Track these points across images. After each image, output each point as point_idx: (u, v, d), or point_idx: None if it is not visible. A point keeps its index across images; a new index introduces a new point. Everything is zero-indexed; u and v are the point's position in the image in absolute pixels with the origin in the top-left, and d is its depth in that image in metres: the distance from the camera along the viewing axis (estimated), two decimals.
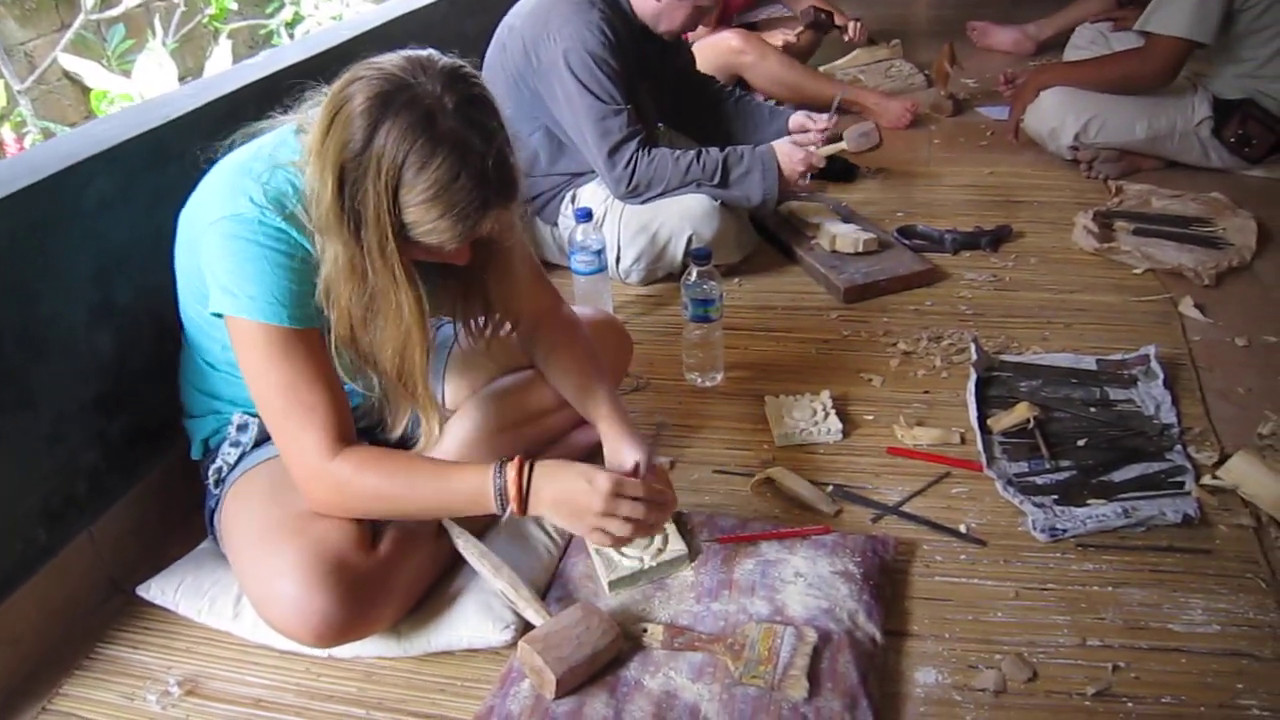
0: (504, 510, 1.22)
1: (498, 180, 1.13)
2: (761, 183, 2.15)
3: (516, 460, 1.22)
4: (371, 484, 1.20)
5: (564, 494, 1.23)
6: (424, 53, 1.13)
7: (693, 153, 2.13)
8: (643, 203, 2.14)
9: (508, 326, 1.42)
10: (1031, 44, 3.87)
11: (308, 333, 1.19)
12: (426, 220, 1.11)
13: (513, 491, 1.21)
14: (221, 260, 1.17)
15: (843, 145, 2.31)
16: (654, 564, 1.37)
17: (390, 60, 1.11)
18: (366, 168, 1.08)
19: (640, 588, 1.37)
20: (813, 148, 2.20)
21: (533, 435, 1.53)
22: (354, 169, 1.09)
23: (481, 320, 1.39)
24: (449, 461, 1.25)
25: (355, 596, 1.21)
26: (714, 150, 2.15)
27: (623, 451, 1.37)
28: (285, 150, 1.21)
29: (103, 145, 1.42)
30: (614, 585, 1.35)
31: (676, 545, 1.40)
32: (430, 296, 1.23)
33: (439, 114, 1.08)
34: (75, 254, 1.37)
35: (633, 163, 2.08)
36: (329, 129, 1.10)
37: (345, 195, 1.10)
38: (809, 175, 2.23)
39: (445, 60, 1.13)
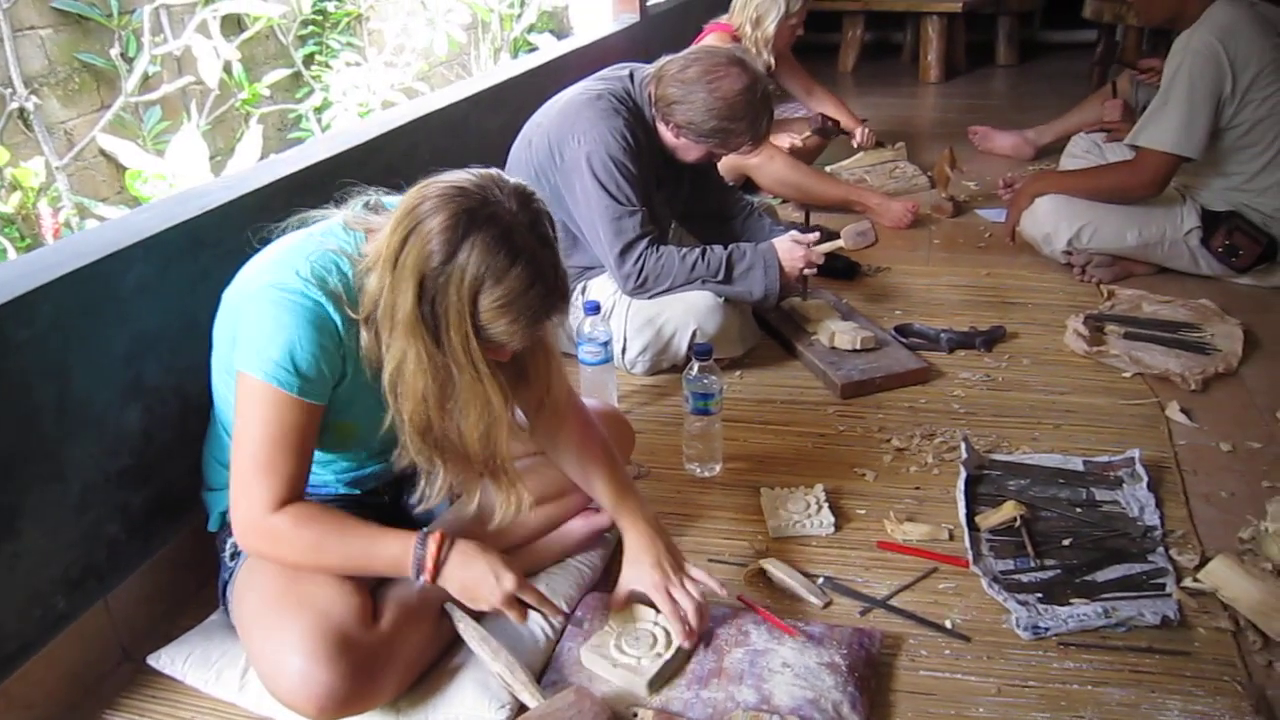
0: (418, 579, 1.30)
1: (559, 288, 1.25)
2: (763, 279, 2.23)
3: (438, 536, 1.30)
4: (305, 538, 1.27)
5: (471, 581, 1.31)
6: (491, 171, 1.24)
7: (698, 251, 2.21)
8: (649, 298, 2.22)
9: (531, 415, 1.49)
10: (1031, 149, 3.98)
11: (308, 406, 1.27)
12: (500, 323, 1.21)
13: (429, 565, 1.29)
14: (255, 321, 1.26)
15: (840, 243, 2.40)
16: (670, 655, 1.40)
17: (462, 177, 1.22)
18: (450, 277, 1.18)
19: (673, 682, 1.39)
20: (811, 245, 2.28)
21: (554, 513, 1.61)
22: (435, 278, 1.18)
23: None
24: (378, 526, 1.33)
25: (358, 671, 1.26)
26: (718, 248, 2.23)
27: (641, 574, 1.47)
28: (333, 238, 1.31)
29: (143, 234, 1.50)
30: (652, 685, 1.37)
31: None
32: None
33: (516, 230, 1.19)
34: (111, 336, 1.45)
35: (641, 260, 2.16)
36: (405, 242, 1.19)
37: (425, 302, 1.20)
38: (807, 274, 2.31)
39: (512, 180, 1.24)
